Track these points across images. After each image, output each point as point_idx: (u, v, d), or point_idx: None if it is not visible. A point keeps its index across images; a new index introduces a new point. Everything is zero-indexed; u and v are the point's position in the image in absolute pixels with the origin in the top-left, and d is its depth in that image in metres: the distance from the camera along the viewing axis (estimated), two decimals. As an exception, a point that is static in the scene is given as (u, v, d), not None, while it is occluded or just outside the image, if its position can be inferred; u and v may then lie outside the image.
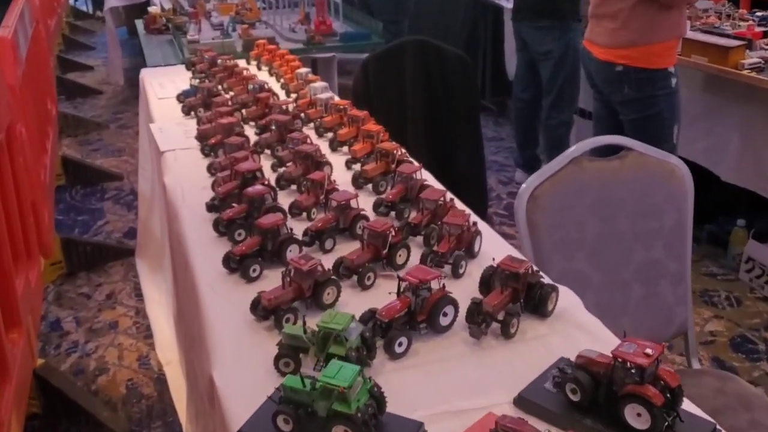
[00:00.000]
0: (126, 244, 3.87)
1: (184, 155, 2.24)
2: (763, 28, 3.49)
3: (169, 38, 4.11)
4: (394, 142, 2.04)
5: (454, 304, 1.33)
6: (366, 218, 1.66)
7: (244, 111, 2.53)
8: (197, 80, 2.81)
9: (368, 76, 3.08)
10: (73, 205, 4.46)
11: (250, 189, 1.72)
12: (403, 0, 5.14)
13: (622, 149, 1.85)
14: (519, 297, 1.35)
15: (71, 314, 3.24)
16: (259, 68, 3.28)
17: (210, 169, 2.06)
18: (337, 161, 2.07)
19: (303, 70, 2.85)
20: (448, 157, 3.14)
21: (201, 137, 2.27)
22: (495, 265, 1.38)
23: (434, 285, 1.31)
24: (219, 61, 3.08)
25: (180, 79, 3.19)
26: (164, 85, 3.08)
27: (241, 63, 3.23)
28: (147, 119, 3.13)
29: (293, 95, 2.76)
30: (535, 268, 1.38)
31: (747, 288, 3.26)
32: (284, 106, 2.36)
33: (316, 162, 1.97)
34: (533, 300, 1.35)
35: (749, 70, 3.00)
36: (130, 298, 3.36)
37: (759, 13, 3.91)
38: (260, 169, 1.86)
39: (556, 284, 1.38)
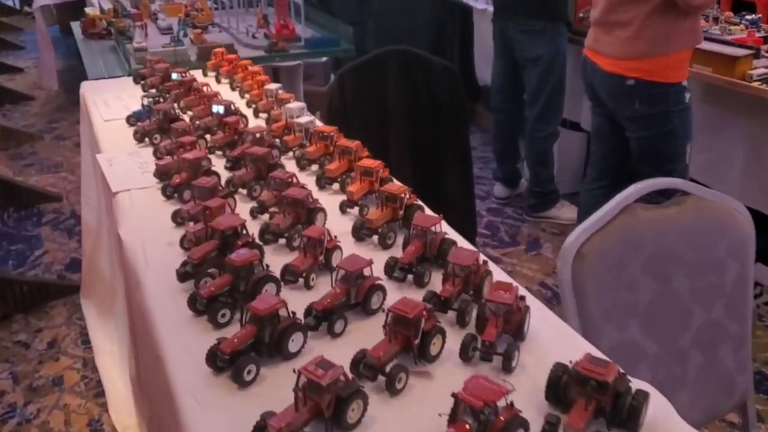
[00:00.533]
0: (69, 280, 3.44)
1: (141, 197, 1.88)
2: (762, 34, 3.29)
3: (112, 44, 3.68)
4: (399, 184, 1.73)
5: (526, 427, 1.02)
6: (383, 290, 1.36)
7: (208, 137, 2.17)
8: (150, 99, 2.43)
9: (344, 90, 2.75)
10: (5, 232, 3.99)
11: (234, 256, 1.38)
12: (367, -1, 4.82)
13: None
14: (605, 411, 1.05)
15: (7, 368, 2.81)
16: (218, 81, 2.91)
17: (176, 217, 1.70)
18: (328, 202, 1.73)
19: (273, 86, 2.50)
20: (435, 176, 2.84)
21: (161, 174, 1.91)
22: (570, 366, 1.08)
23: (500, 403, 1.00)
24: (174, 75, 2.70)
25: (128, 94, 2.80)
26: (110, 104, 2.69)
27: (197, 74, 2.86)
28: (91, 144, 2.74)
29: (262, 115, 2.42)
30: (621, 370, 1.08)
31: (755, 315, 3.07)
32: (258, 134, 2.01)
33: (308, 209, 1.64)
34: (620, 413, 1.06)
35: (759, 82, 2.78)
36: (76, 345, 2.94)
37: (748, 17, 3.72)
38: (243, 225, 1.51)
39: (646, 390, 1.09)
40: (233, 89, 2.79)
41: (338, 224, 1.67)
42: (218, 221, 1.50)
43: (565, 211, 3.97)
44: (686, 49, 2.57)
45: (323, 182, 1.90)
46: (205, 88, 2.51)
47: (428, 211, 1.64)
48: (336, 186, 1.88)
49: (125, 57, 3.26)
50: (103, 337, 2.78)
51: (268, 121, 2.34)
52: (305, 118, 2.15)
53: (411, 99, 2.79)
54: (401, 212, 1.64)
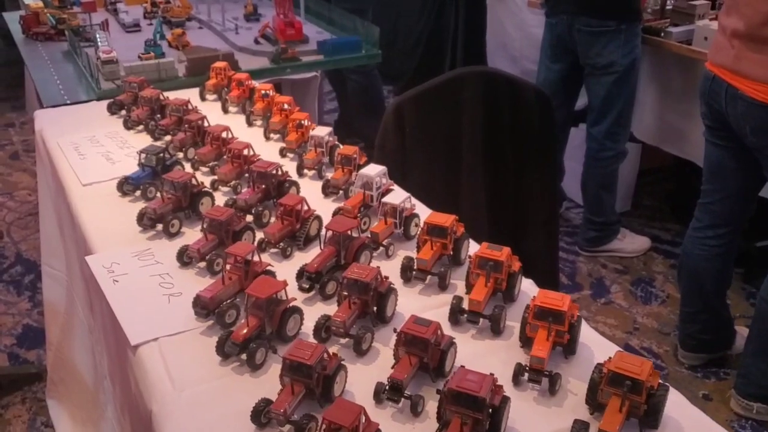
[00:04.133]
0: (25, 361, 2.74)
1: (176, 345, 1.24)
2: None
3: (65, 47, 2.93)
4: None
5: None
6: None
7: (261, 232, 1.54)
8: (148, 159, 1.76)
9: (403, 124, 2.13)
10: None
11: None
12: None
13: None
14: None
15: None
16: (225, 110, 2.25)
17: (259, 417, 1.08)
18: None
19: (321, 132, 1.86)
20: (517, 229, 2.26)
21: (205, 307, 1.27)
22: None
23: None
24: (172, 109, 2.03)
25: (105, 133, 2.14)
26: (84, 152, 2.02)
27: (191, 97, 2.18)
28: (56, 205, 2.05)
29: (307, 172, 1.80)
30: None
31: None
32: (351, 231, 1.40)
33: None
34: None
35: None
36: (45, 470, 2.29)
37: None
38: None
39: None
40: (250, 124, 2.14)
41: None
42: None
43: (628, 243, 3.46)
44: None
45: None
46: (224, 134, 1.86)
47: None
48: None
49: (89, 72, 2.54)
50: (85, 464, 2.13)
51: (325, 188, 1.72)
52: (398, 197, 1.53)
53: (490, 129, 2.20)
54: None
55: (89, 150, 2.01)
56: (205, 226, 1.46)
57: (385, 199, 1.52)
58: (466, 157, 2.21)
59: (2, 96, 5.48)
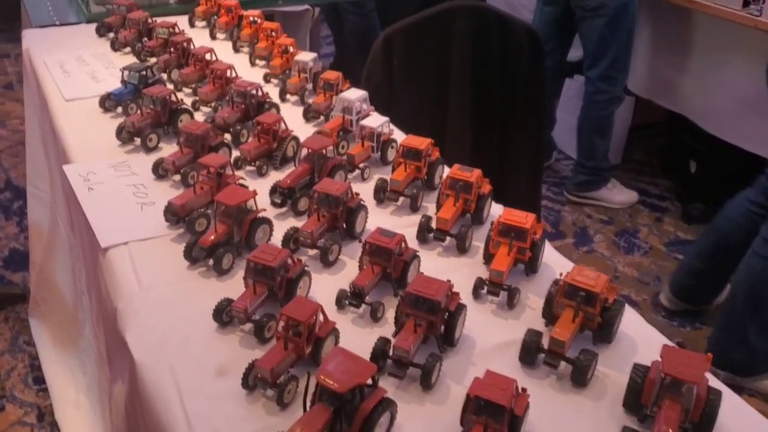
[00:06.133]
0: (10, 282, 2.77)
1: (145, 250, 1.26)
2: None
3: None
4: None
5: None
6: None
7: (236, 149, 1.55)
8: (131, 76, 1.75)
9: (391, 56, 2.12)
10: None
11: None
12: None
13: None
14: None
15: (-69, 418, 2.19)
16: (213, 36, 2.24)
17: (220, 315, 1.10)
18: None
19: (306, 57, 1.86)
20: (502, 168, 2.27)
21: (175, 214, 1.28)
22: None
23: None
24: (160, 30, 2.02)
25: (92, 54, 2.14)
26: (69, 69, 2.01)
27: (180, 22, 2.17)
28: (42, 123, 2.06)
29: (290, 98, 1.80)
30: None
31: None
32: (326, 150, 1.40)
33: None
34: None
35: None
36: (27, 386, 2.32)
37: None
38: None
39: None
40: (236, 50, 2.13)
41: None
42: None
43: (616, 193, 3.47)
44: None
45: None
46: (208, 55, 1.85)
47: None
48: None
49: (79, -5, 2.51)
50: (64, 380, 2.17)
51: (306, 113, 1.72)
52: (376, 121, 1.53)
53: (479, 67, 2.19)
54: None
55: (75, 68, 2.01)
56: (181, 140, 1.47)
57: (363, 123, 1.52)
58: (453, 95, 2.20)
59: (-1, 27, 5.42)
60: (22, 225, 3.07)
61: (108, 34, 2.22)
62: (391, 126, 1.60)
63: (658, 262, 3.12)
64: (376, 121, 1.54)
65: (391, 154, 1.54)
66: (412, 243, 1.25)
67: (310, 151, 1.40)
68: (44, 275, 2.34)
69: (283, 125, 1.53)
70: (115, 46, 2.12)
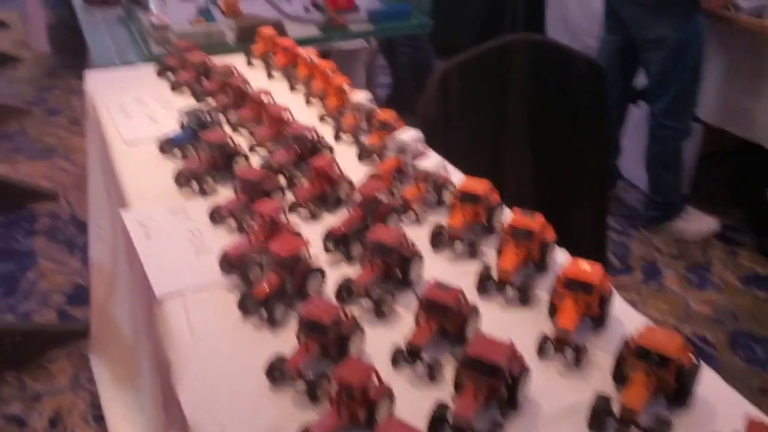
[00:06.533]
0: (72, 319, 2.82)
1: (199, 299, 1.24)
2: None
3: (121, 13, 2.97)
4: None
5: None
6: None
7: (291, 192, 1.53)
8: (190, 120, 1.77)
9: (447, 93, 2.09)
10: (-9, 243, 3.36)
11: None
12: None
13: None
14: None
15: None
16: (270, 75, 2.25)
17: (273, 372, 1.06)
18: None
19: (361, 96, 1.84)
20: (566, 201, 2.20)
21: (230, 263, 1.27)
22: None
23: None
24: (218, 72, 2.03)
25: (152, 95, 2.16)
26: (129, 111, 2.04)
27: (238, 62, 2.20)
28: (103, 165, 2.10)
29: (345, 137, 1.78)
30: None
31: None
32: (379, 194, 1.37)
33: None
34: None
35: None
36: (87, 424, 2.35)
37: None
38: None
39: None
40: (292, 89, 2.13)
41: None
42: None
43: (693, 223, 3.31)
44: None
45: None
46: (265, 98, 1.85)
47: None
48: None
49: (140, 35, 2.57)
50: (123, 418, 2.19)
51: (361, 155, 1.69)
52: (432, 161, 1.49)
53: (539, 101, 2.14)
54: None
55: (134, 109, 2.04)
56: (237, 185, 1.46)
57: (419, 163, 1.49)
58: (512, 129, 2.15)
59: (67, 63, 5.63)
60: (85, 260, 3.14)
61: (167, 74, 2.25)
62: (447, 166, 1.56)
63: (734, 299, 2.97)
64: (431, 161, 1.50)
65: (447, 196, 1.50)
66: (470, 291, 1.20)
67: (363, 196, 1.37)
68: (104, 313, 2.37)
69: (336, 169, 1.50)
70: (174, 87, 2.15)
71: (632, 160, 3.51)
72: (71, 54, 5.72)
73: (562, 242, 1.34)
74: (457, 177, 1.56)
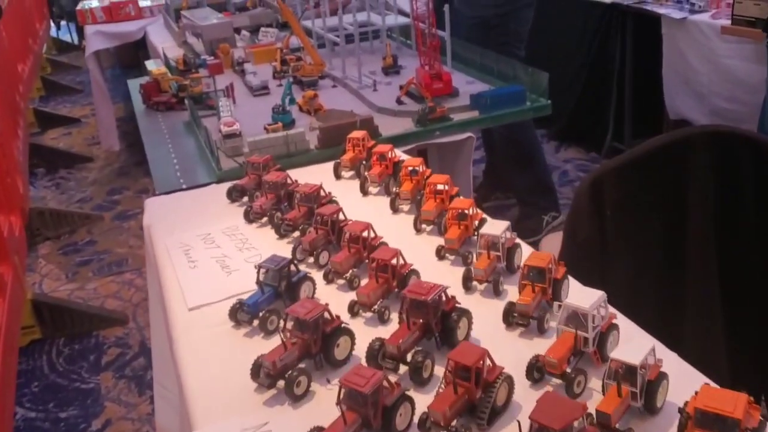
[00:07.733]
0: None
1: None
2: None
3: (185, 117, 2.64)
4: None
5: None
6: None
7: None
8: (270, 273, 1.34)
9: (601, 205, 1.60)
10: (53, 382, 2.99)
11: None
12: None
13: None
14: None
15: None
16: (365, 192, 1.81)
17: None
18: None
19: (497, 229, 1.36)
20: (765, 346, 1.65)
21: None
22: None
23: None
24: (299, 197, 1.62)
25: (222, 228, 1.75)
26: (194, 256, 1.64)
27: (323, 173, 1.79)
28: (165, 326, 1.67)
29: (478, 286, 1.31)
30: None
31: None
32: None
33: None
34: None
35: None
36: None
37: None
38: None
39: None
40: (395, 210, 1.69)
41: None
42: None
43: None
44: None
45: None
46: (365, 233, 1.41)
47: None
48: None
49: (209, 149, 2.19)
50: None
51: (506, 318, 1.22)
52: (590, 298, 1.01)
53: (728, 209, 1.64)
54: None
55: (201, 254, 1.62)
56: (343, 406, 0.99)
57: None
58: (690, 245, 1.64)
59: (137, 160, 5.43)
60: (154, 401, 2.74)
61: (241, 198, 1.85)
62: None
63: None
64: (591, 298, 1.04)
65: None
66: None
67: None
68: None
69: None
70: (250, 217, 1.74)
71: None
72: (142, 150, 5.54)
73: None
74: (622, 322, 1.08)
